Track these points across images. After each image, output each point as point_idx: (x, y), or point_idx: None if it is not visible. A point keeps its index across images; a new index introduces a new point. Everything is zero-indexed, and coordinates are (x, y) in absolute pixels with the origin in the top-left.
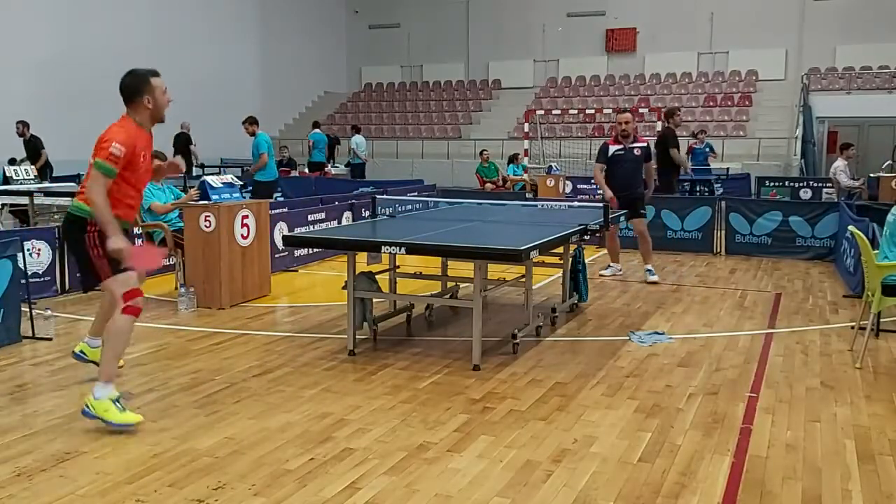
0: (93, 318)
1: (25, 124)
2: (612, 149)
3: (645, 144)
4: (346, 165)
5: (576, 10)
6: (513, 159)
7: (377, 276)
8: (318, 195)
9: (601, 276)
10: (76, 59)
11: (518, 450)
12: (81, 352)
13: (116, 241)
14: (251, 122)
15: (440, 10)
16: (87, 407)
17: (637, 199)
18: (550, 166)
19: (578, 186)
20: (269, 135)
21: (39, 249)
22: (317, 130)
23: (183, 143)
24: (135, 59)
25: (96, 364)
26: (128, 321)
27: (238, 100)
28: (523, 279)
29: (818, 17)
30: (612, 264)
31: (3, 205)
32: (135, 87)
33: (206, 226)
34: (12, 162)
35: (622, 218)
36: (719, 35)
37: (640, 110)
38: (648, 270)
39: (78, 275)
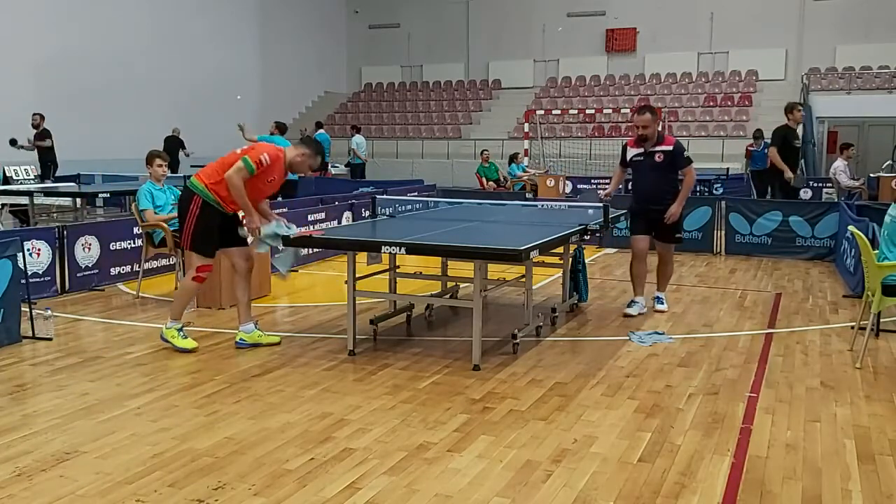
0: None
1: (42, 116)
2: (631, 152)
3: (670, 148)
4: (346, 165)
5: (576, 10)
6: (513, 159)
7: (377, 276)
8: (318, 195)
9: (626, 315)
10: (76, 59)
11: (518, 450)
12: (241, 339)
13: (255, 221)
14: (276, 126)
15: (440, 10)
16: (162, 335)
17: (664, 217)
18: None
19: (578, 186)
20: (268, 135)
21: (39, 249)
22: (321, 131)
23: (174, 147)
24: (135, 59)
25: (262, 345)
26: (193, 285)
27: (238, 100)
28: (523, 279)
29: (818, 17)
30: (636, 299)
31: (3, 205)
32: (309, 142)
33: None
34: (13, 143)
35: (635, 228)
36: (719, 35)
37: None
38: (657, 298)
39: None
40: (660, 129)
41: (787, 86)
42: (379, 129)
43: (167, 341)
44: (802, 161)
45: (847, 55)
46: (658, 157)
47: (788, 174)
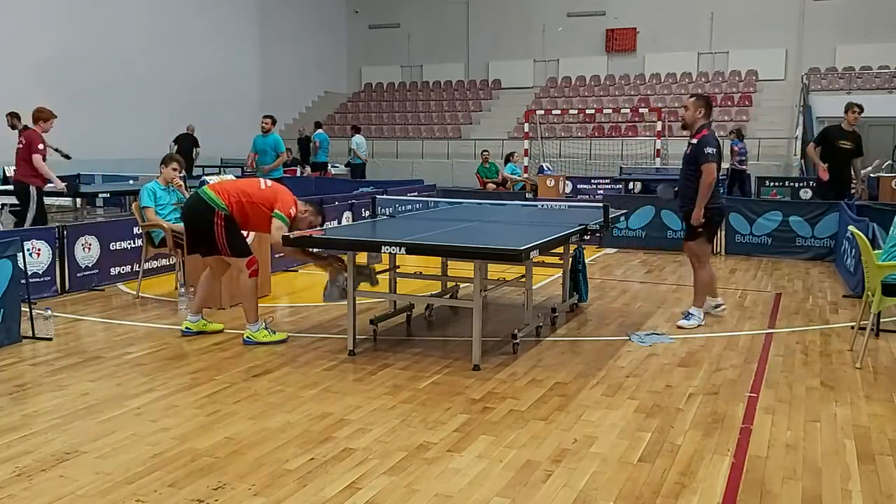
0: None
1: (16, 115)
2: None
3: (695, 141)
4: (346, 165)
5: (576, 10)
6: (508, 158)
7: (377, 276)
8: (318, 195)
9: (680, 326)
10: (76, 59)
11: (518, 450)
12: (187, 328)
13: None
14: (273, 120)
15: (440, 10)
16: (248, 338)
17: (687, 212)
18: (541, 167)
19: (578, 186)
20: (261, 135)
21: (39, 249)
22: (320, 131)
23: (188, 145)
24: (135, 59)
25: (207, 333)
26: (253, 280)
27: (238, 100)
28: (523, 279)
29: (818, 17)
30: (692, 310)
31: (3, 205)
32: (318, 206)
33: None
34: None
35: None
36: (719, 35)
37: (640, 110)
38: (685, 313)
39: (191, 243)
40: (700, 117)
41: (787, 86)
42: (379, 129)
43: (258, 343)
44: (802, 161)
45: (847, 55)
46: (688, 150)
47: (820, 168)
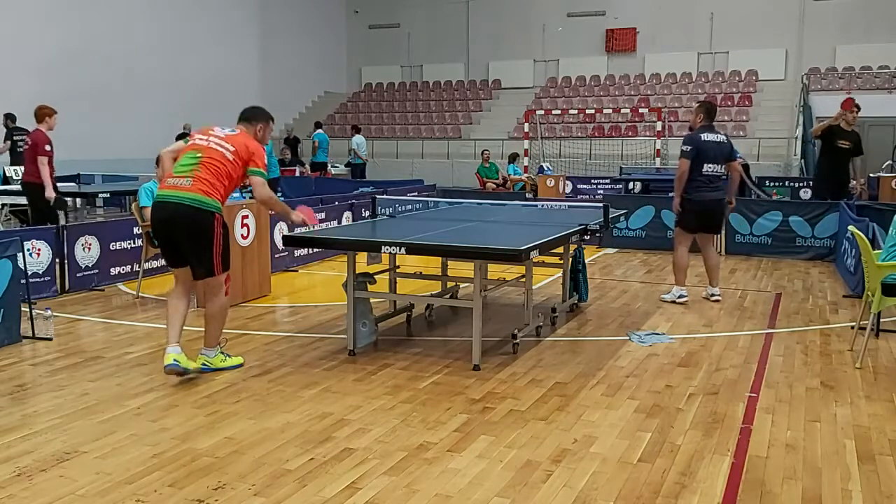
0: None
1: (10, 117)
2: None
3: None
4: (346, 165)
5: (576, 10)
6: (513, 159)
7: (377, 276)
8: (318, 195)
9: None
10: (77, 59)
11: (518, 450)
12: (176, 362)
13: (296, 215)
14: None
15: (440, 10)
16: (205, 364)
17: None
18: (541, 167)
19: (578, 186)
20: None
21: (39, 249)
22: (320, 131)
23: None
24: (135, 59)
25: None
26: (227, 300)
27: (238, 100)
28: (523, 279)
29: (818, 17)
30: (674, 288)
31: (3, 205)
32: (259, 113)
33: None
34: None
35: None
36: (719, 35)
37: (640, 110)
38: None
39: (183, 259)
40: (700, 121)
41: (787, 86)
42: (379, 129)
43: (215, 370)
44: (802, 161)
45: (847, 55)
46: None
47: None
